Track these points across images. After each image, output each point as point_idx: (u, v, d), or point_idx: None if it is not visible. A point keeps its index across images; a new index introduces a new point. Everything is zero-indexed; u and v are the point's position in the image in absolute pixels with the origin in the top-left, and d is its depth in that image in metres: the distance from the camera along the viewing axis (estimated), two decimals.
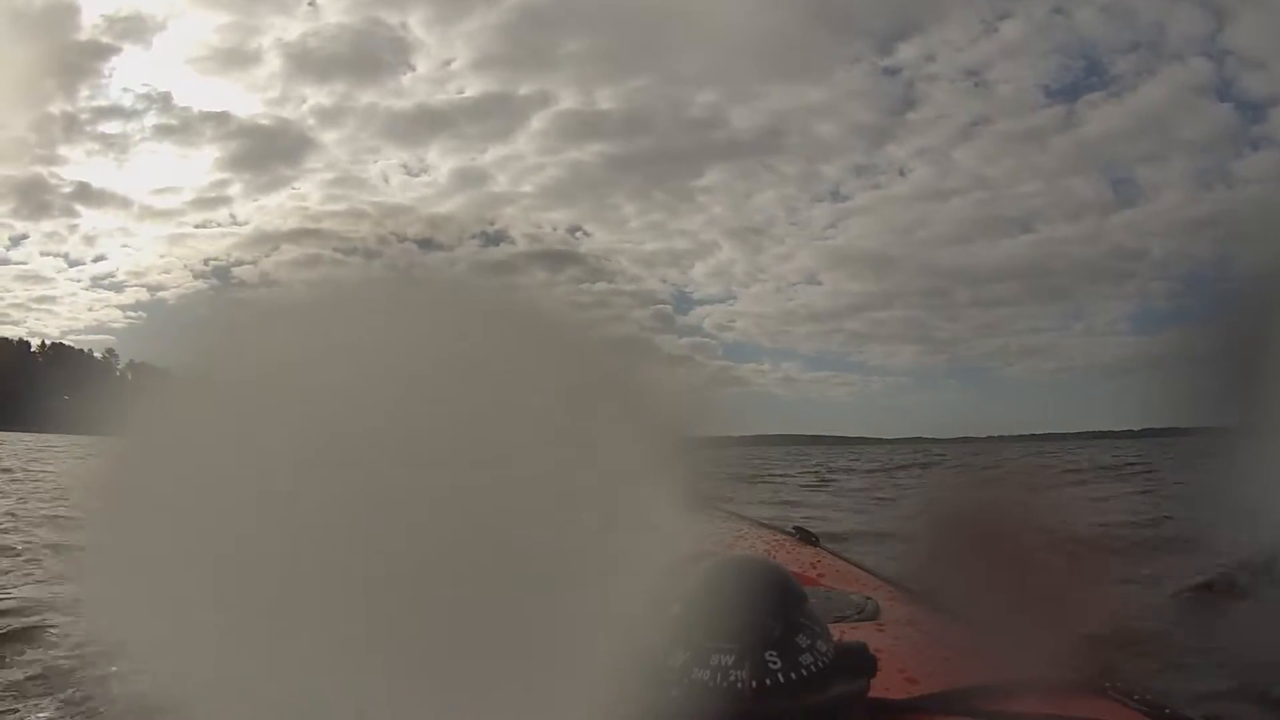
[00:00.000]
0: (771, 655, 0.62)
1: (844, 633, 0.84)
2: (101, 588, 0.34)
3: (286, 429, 0.33)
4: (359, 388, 0.33)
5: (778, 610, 0.65)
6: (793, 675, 0.62)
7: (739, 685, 0.60)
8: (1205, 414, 0.43)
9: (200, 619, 0.32)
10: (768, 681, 0.61)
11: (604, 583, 0.35)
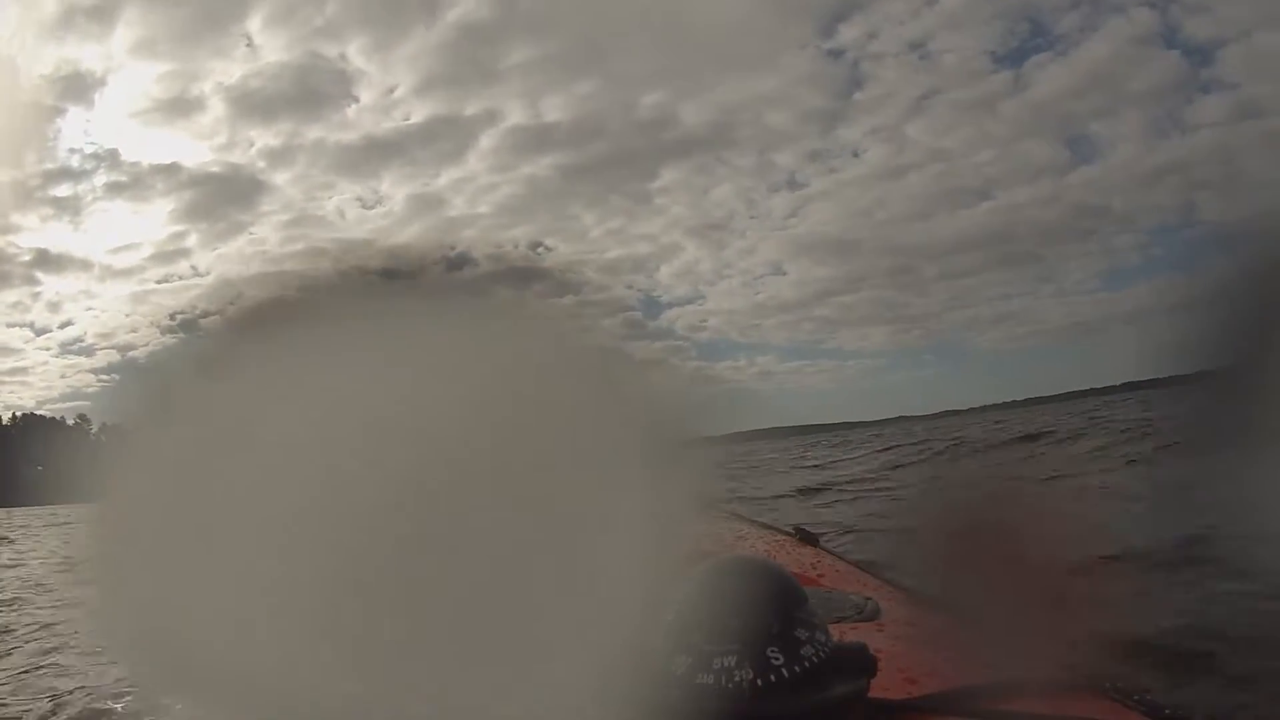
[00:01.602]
0: (773, 651, 0.62)
1: (844, 633, 0.84)
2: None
3: (269, 456, 0.33)
4: (353, 401, 0.33)
5: (778, 610, 0.65)
6: (796, 669, 0.62)
7: (744, 685, 0.61)
8: (1195, 359, 0.42)
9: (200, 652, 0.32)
10: (772, 678, 0.61)
11: (604, 586, 0.35)
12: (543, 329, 0.37)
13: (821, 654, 0.64)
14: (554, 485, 0.34)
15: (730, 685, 0.60)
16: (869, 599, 1.20)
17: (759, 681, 0.61)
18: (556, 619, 0.34)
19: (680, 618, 0.63)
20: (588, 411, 0.35)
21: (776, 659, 0.62)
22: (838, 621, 1.07)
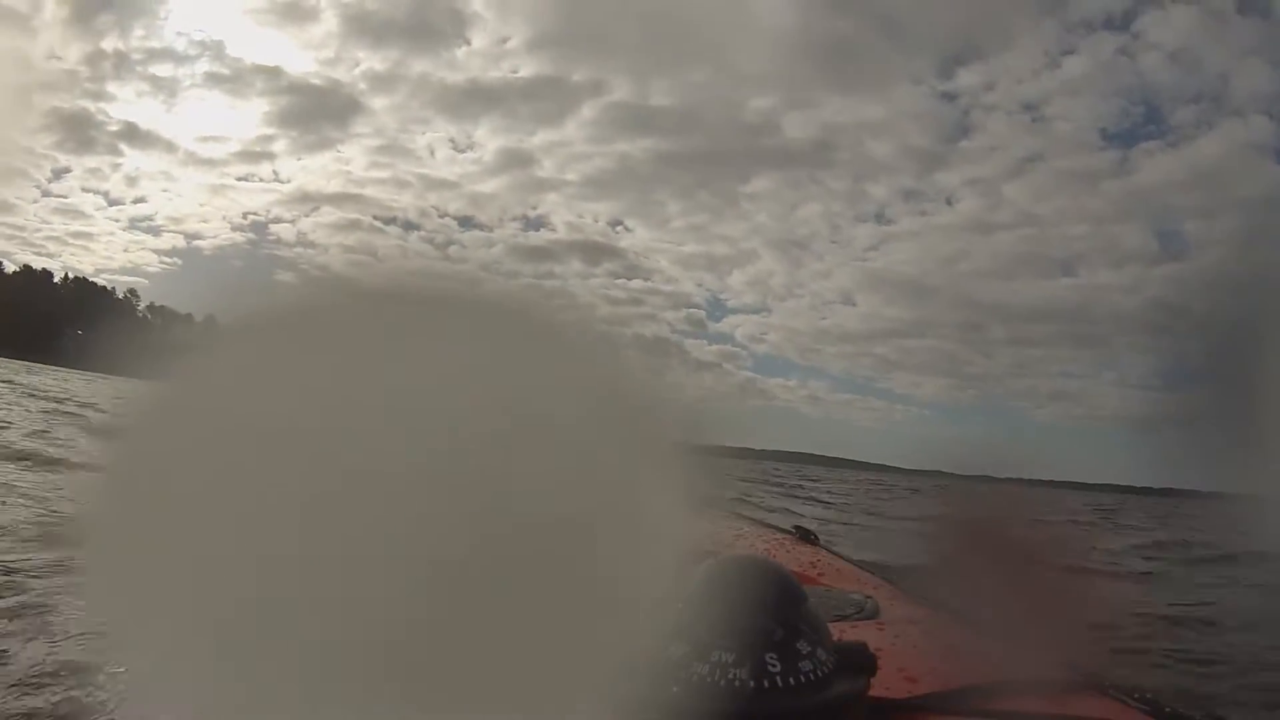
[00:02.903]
0: (771, 658, 0.62)
1: (844, 632, 0.84)
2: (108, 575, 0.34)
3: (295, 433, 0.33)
4: (357, 401, 0.33)
5: (778, 611, 0.65)
6: (791, 680, 0.62)
7: (738, 684, 0.60)
8: (1200, 476, 0.43)
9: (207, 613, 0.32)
10: (766, 684, 0.61)
11: (606, 580, 0.35)
12: (551, 328, 0.37)
13: (819, 672, 0.63)
14: (554, 484, 0.34)
15: (724, 681, 0.60)
16: (869, 598, 1.20)
17: (753, 684, 0.61)
18: (556, 617, 0.34)
19: (681, 615, 0.63)
20: (593, 410, 0.35)
21: (774, 666, 0.62)
22: (837, 621, 1.07)
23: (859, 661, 0.67)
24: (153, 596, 0.32)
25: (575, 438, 0.35)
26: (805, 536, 1.88)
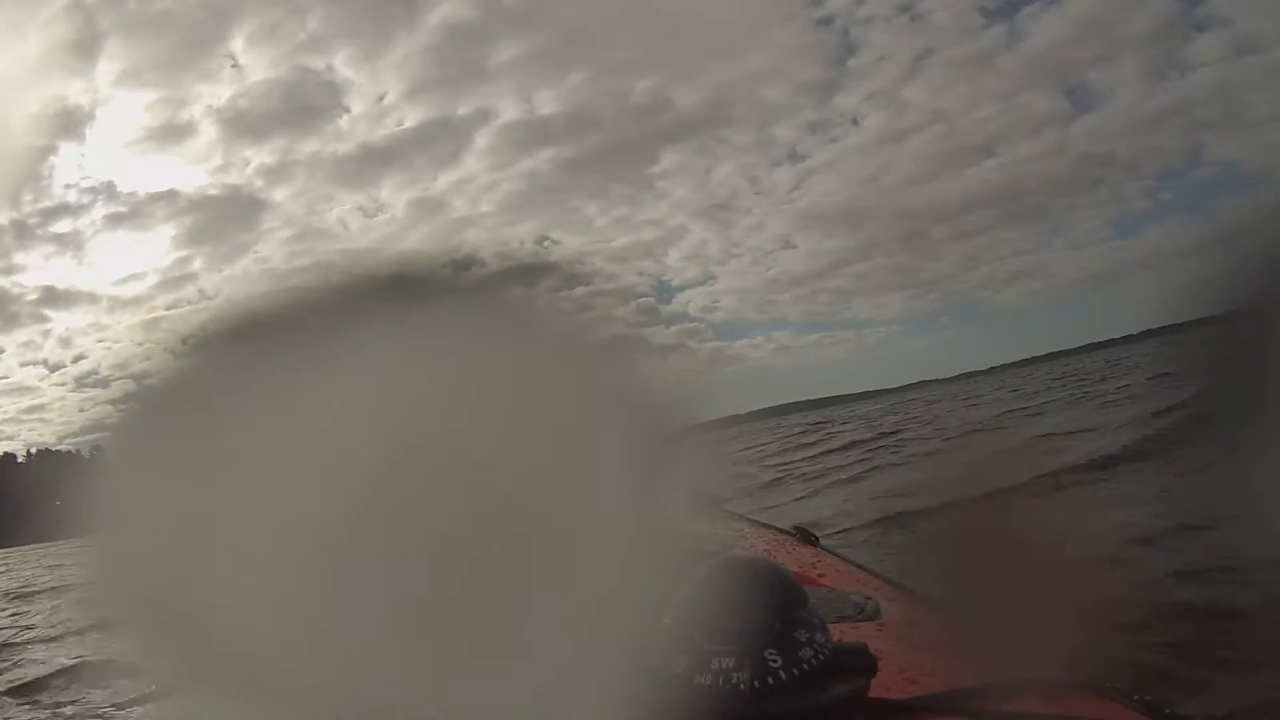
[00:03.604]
0: (771, 654, 0.62)
1: (844, 633, 0.84)
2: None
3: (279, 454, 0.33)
4: (348, 404, 0.33)
5: (777, 610, 0.65)
6: (794, 671, 0.62)
7: (740, 687, 0.61)
8: (1206, 303, 0.42)
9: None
10: (769, 680, 0.61)
11: (601, 584, 0.35)
12: (536, 325, 0.38)
13: (821, 656, 0.64)
14: (552, 483, 0.34)
15: (727, 686, 0.61)
16: (869, 599, 1.20)
17: (755, 683, 0.61)
18: (555, 619, 0.34)
19: (680, 617, 0.63)
20: (584, 407, 0.35)
21: (774, 661, 0.62)
22: (838, 621, 1.07)
23: (859, 662, 0.67)
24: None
25: (571, 438, 0.35)
26: (806, 537, 1.89)
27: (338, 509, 0.32)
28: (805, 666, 0.63)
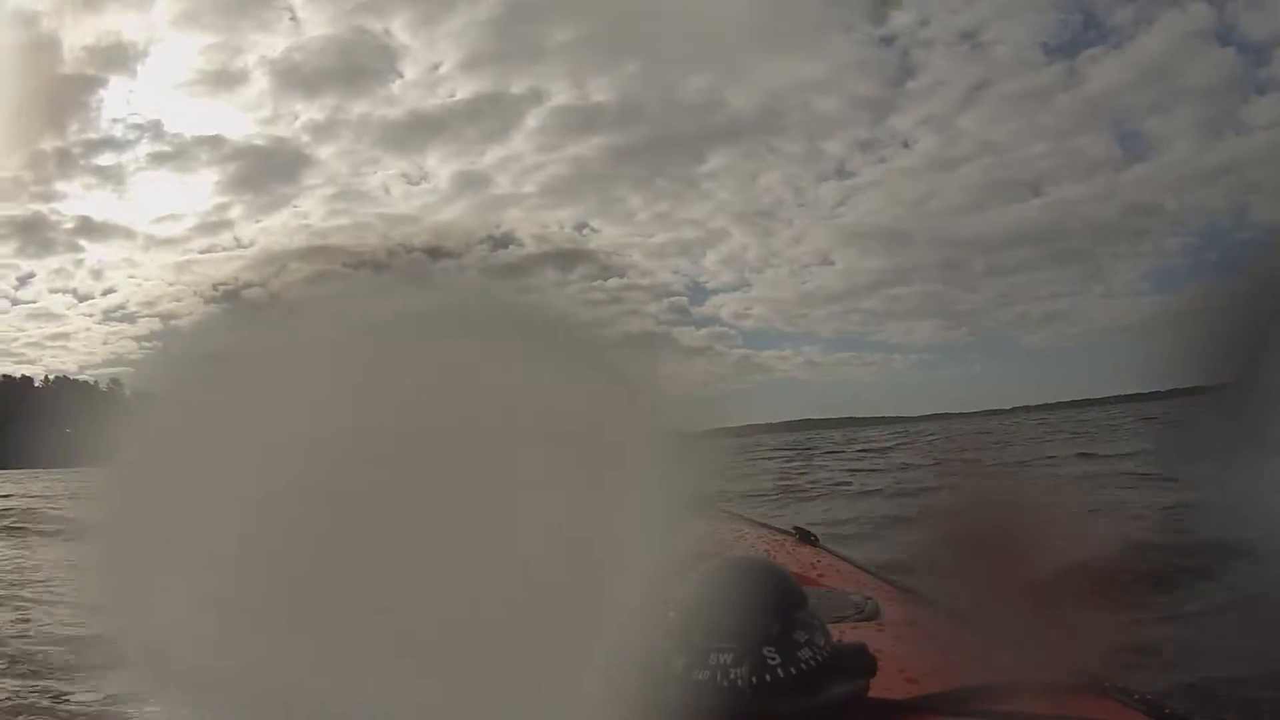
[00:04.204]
0: (770, 651, 0.62)
1: (844, 633, 0.84)
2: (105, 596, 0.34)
3: (282, 435, 0.33)
4: (358, 394, 0.33)
5: (777, 610, 0.65)
6: (792, 670, 0.62)
7: (739, 683, 0.60)
8: (1219, 371, 0.42)
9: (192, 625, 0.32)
10: (767, 678, 0.61)
11: (604, 584, 0.35)
12: (545, 323, 0.37)
13: (819, 658, 0.64)
14: (553, 483, 0.34)
15: (725, 683, 0.60)
16: (869, 599, 1.19)
17: (754, 680, 0.61)
18: (556, 617, 0.34)
19: (680, 616, 0.63)
20: (589, 407, 0.35)
21: (773, 659, 0.62)
22: (838, 621, 1.07)
23: (859, 662, 0.67)
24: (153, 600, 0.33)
25: (575, 439, 0.35)
26: (805, 538, 1.88)
27: (331, 503, 0.32)
28: (804, 667, 0.63)
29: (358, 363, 0.34)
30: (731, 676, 0.61)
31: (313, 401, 0.33)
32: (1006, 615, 0.78)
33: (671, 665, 0.61)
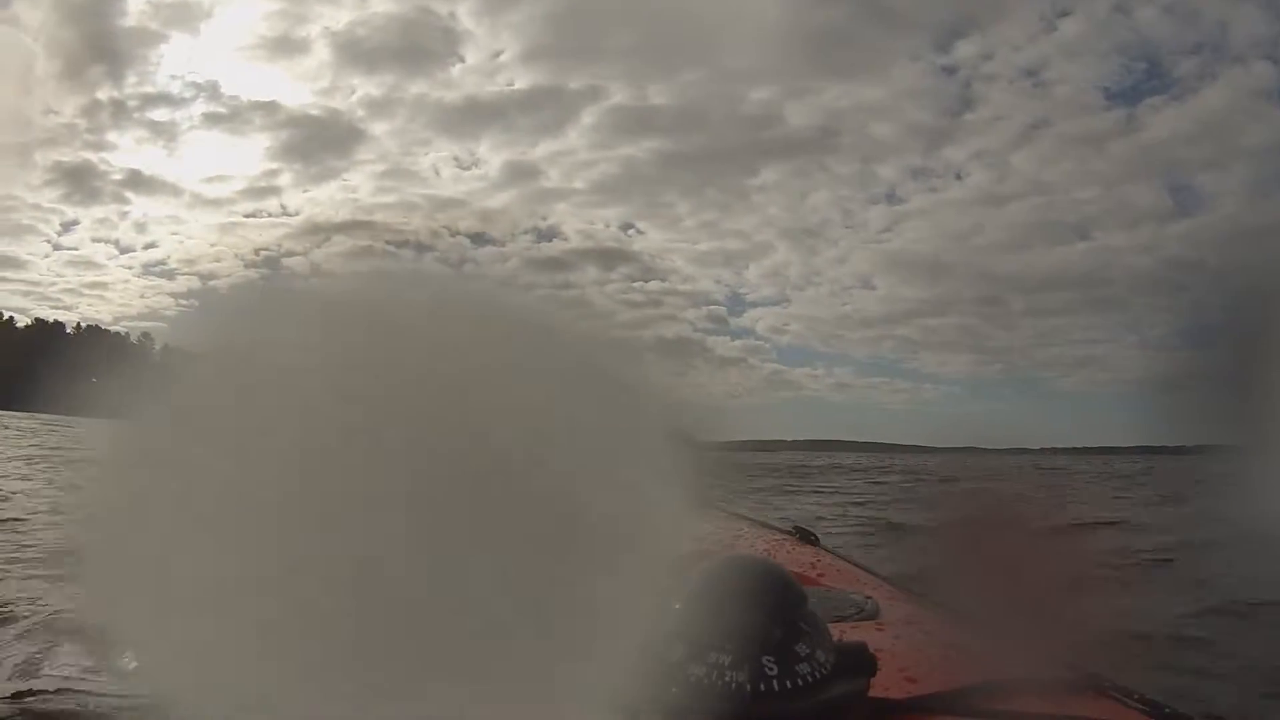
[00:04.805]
0: (769, 661, 0.62)
1: (844, 632, 0.84)
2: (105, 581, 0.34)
3: (301, 421, 0.33)
4: (370, 386, 0.33)
5: (777, 612, 0.65)
6: (788, 684, 0.62)
7: (734, 686, 0.60)
8: (1209, 433, 0.43)
9: (207, 613, 0.32)
10: (763, 687, 0.61)
11: (606, 579, 0.35)
12: (553, 325, 0.37)
13: (817, 675, 0.63)
14: (556, 482, 0.34)
15: (721, 683, 0.60)
16: (869, 598, 1.19)
17: (749, 686, 0.61)
18: (558, 616, 0.34)
19: (680, 616, 0.63)
20: (595, 408, 0.35)
21: (771, 670, 0.62)
22: (837, 621, 1.07)
23: (859, 662, 0.67)
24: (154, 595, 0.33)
25: (584, 442, 0.35)
26: (805, 537, 1.88)
27: (335, 503, 0.32)
28: (800, 682, 0.62)
29: (375, 355, 0.34)
30: (728, 678, 0.61)
31: (328, 390, 0.33)
32: (1006, 615, 0.78)
33: (668, 658, 0.61)
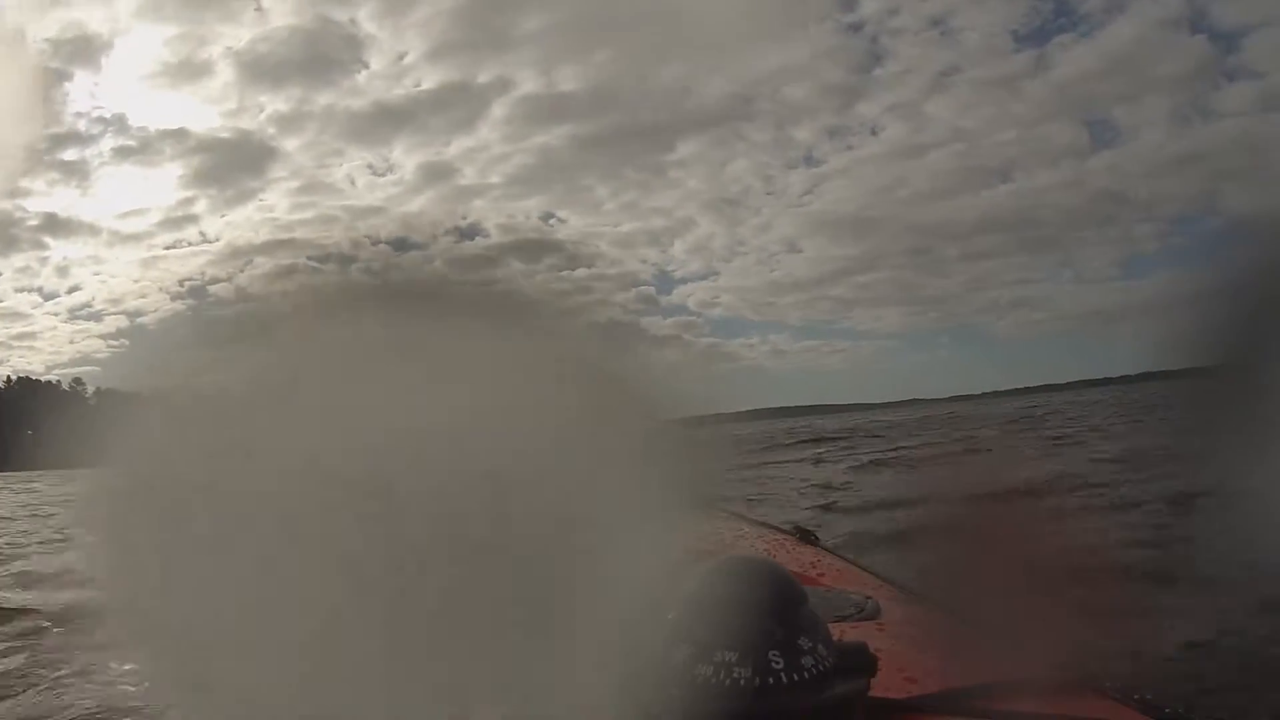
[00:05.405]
0: (774, 655, 0.62)
1: (844, 632, 0.84)
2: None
3: (273, 440, 0.33)
4: (348, 395, 0.33)
5: (778, 612, 0.65)
6: (795, 676, 0.62)
7: (741, 682, 0.61)
8: (1203, 355, 0.42)
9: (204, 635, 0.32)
10: (770, 680, 0.61)
11: (606, 581, 0.35)
12: (540, 323, 0.37)
13: (821, 667, 0.64)
14: (556, 482, 0.34)
15: (728, 680, 0.61)
16: (869, 598, 1.20)
17: (757, 681, 0.61)
18: (559, 615, 0.34)
19: (682, 615, 0.63)
20: (588, 406, 0.35)
21: (777, 663, 0.62)
22: (837, 621, 1.07)
23: (859, 662, 0.67)
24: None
25: (571, 435, 0.35)
26: (805, 537, 1.88)
27: (338, 508, 0.32)
28: (806, 675, 0.63)
29: (349, 368, 0.34)
30: (735, 675, 0.61)
31: (307, 400, 0.33)
32: (1006, 614, 0.78)
33: (672, 660, 0.61)
